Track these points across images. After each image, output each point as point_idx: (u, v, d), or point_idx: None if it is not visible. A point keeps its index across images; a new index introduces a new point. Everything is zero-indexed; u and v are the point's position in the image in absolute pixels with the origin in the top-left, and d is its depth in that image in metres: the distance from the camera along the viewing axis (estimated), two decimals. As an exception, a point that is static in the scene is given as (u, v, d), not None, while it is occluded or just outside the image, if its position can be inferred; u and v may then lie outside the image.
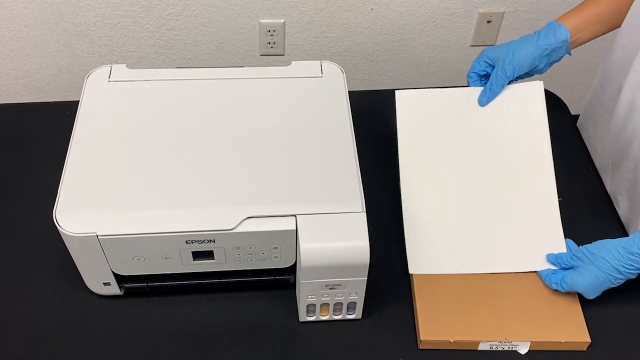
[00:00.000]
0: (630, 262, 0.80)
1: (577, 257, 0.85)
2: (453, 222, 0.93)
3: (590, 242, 0.87)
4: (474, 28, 1.71)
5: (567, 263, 0.87)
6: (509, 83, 0.97)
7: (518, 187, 0.93)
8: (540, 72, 1.00)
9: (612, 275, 0.82)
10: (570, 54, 0.99)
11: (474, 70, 1.00)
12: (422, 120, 0.98)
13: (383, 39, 1.70)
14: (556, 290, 0.88)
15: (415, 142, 0.97)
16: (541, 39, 0.96)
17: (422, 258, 0.91)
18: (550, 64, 0.99)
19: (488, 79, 0.99)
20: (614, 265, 0.81)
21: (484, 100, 0.98)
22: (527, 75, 0.99)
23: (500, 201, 0.93)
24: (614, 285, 0.83)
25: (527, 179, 0.93)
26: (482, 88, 0.98)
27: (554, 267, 0.88)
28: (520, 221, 0.92)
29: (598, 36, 0.99)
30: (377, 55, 1.75)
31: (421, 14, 1.66)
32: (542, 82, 0.97)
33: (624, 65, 0.99)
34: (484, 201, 0.93)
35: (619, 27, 0.98)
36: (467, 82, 1.01)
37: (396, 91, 0.99)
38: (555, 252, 0.89)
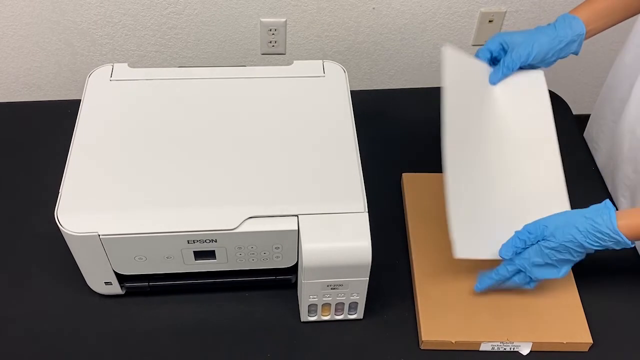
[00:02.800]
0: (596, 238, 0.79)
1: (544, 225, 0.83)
2: (488, 203, 0.88)
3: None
4: (476, 27, 1.71)
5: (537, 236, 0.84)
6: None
7: (526, 167, 0.91)
8: (548, 65, 0.97)
9: (579, 243, 0.80)
10: (577, 54, 0.97)
11: (488, 48, 0.97)
12: (463, 83, 0.93)
13: (385, 38, 1.70)
14: (557, 290, 0.88)
15: (458, 107, 0.90)
16: (558, 30, 0.94)
17: (468, 241, 0.84)
18: (557, 59, 0.97)
19: (494, 63, 0.97)
20: (574, 235, 0.80)
21: (495, 79, 0.95)
22: (532, 67, 0.97)
23: (513, 179, 0.90)
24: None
25: (533, 160, 0.91)
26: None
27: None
28: (528, 201, 0.89)
29: (607, 28, 0.97)
30: (378, 54, 1.75)
31: (423, 13, 1.66)
32: (542, 71, 0.95)
33: (636, 66, 0.98)
34: (503, 181, 0.90)
35: (629, 17, 0.97)
36: (477, 56, 0.97)
37: (442, 48, 0.93)
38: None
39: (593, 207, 0.81)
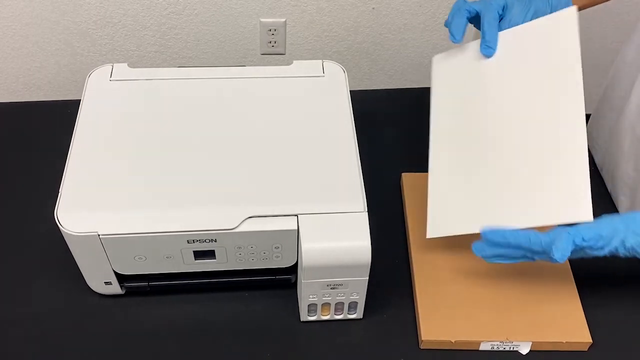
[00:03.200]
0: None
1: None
2: (475, 181, 0.86)
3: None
4: (475, 27, 1.71)
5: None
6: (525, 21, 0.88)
7: (545, 138, 0.83)
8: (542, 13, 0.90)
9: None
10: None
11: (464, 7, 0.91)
12: (453, 80, 0.92)
13: (384, 38, 1.70)
14: (557, 290, 0.88)
15: (445, 107, 0.91)
16: None
17: (441, 220, 0.85)
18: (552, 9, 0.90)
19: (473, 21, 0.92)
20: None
21: (489, 51, 0.89)
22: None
23: (527, 153, 0.83)
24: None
25: (555, 128, 0.83)
26: (509, 30, 0.89)
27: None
28: (545, 171, 0.82)
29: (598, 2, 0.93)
30: (378, 54, 1.75)
31: (422, 13, 1.66)
32: (575, 6, 0.85)
33: (637, 64, 0.98)
34: (510, 152, 0.85)
35: None
36: (452, 20, 0.92)
37: (433, 58, 0.94)
38: (578, 207, 0.79)
39: None
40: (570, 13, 0.84)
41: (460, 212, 0.85)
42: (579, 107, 0.81)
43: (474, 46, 0.92)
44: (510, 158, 0.84)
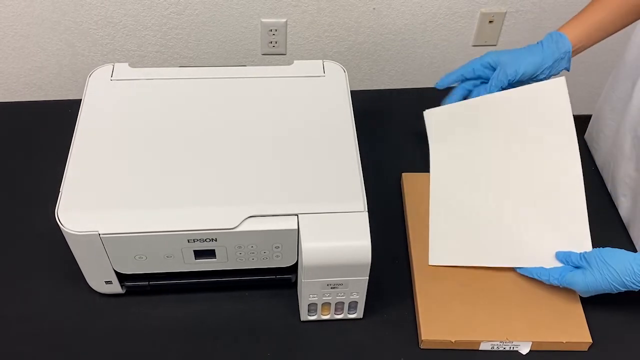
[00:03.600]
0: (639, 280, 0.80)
1: (585, 259, 0.84)
2: (478, 218, 0.93)
3: (592, 242, 0.87)
4: (476, 28, 1.71)
5: (575, 263, 0.86)
6: (514, 85, 0.97)
7: (545, 185, 0.92)
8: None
9: (616, 287, 0.81)
10: (569, 70, 0.98)
11: (473, 67, 0.99)
12: (451, 131, 1.00)
13: (385, 38, 1.70)
14: (557, 290, 0.88)
15: (445, 154, 1.00)
16: (545, 48, 0.95)
17: (443, 251, 0.92)
18: (550, 76, 0.98)
19: (472, 82, 1.00)
20: (622, 278, 0.80)
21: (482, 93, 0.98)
22: (521, 83, 0.98)
23: (528, 199, 0.92)
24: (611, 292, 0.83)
25: (553, 177, 0.92)
26: (500, 92, 0.97)
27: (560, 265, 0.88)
28: (546, 217, 0.90)
29: (602, 40, 0.98)
30: (378, 54, 1.75)
31: (423, 13, 1.66)
32: (564, 77, 0.95)
33: (638, 64, 0.98)
34: (511, 199, 0.93)
35: (619, 30, 0.98)
36: (446, 81, 1.02)
37: (424, 112, 1.04)
38: (581, 250, 0.86)
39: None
40: (560, 83, 0.94)
41: (462, 247, 0.92)
42: (575, 158, 0.91)
43: (465, 105, 1.00)
44: (512, 203, 0.92)
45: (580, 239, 0.88)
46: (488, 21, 1.69)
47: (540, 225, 0.90)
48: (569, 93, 0.92)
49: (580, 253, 0.85)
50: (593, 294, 0.84)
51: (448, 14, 1.67)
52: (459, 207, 0.95)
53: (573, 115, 0.92)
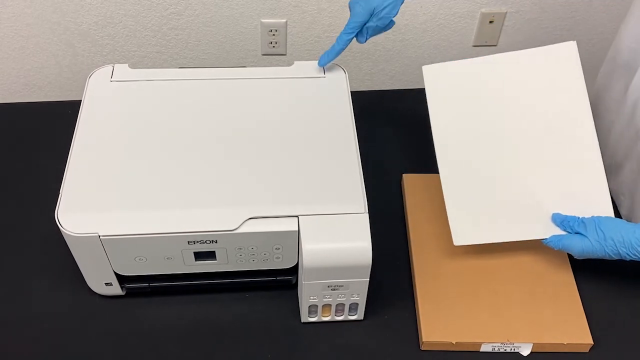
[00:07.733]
0: (636, 252, 0.79)
1: (584, 224, 0.84)
2: (493, 190, 0.90)
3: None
4: (476, 28, 1.71)
5: (573, 228, 0.85)
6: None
7: (558, 150, 0.90)
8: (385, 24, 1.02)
9: (611, 255, 0.81)
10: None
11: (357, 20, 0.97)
12: (452, 91, 0.95)
13: (385, 39, 1.70)
14: (558, 291, 0.88)
15: (447, 114, 0.94)
16: None
17: (465, 228, 0.89)
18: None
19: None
20: (619, 249, 0.80)
21: (323, 60, 0.96)
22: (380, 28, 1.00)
23: (541, 166, 0.90)
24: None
25: (566, 141, 0.90)
26: (504, 54, 0.94)
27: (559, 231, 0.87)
28: (562, 184, 0.89)
29: None
30: (379, 55, 1.75)
31: (423, 14, 1.66)
32: (574, 41, 0.93)
33: (630, 66, 0.98)
34: (525, 161, 0.90)
35: None
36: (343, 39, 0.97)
37: (423, 67, 0.96)
38: (602, 214, 0.86)
39: None
40: (571, 46, 0.92)
41: (486, 222, 0.89)
42: (589, 124, 0.89)
43: (469, 63, 0.95)
44: (528, 170, 0.89)
45: (601, 206, 0.87)
46: (488, 21, 1.69)
47: (560, 190, 0.88)
48: None
49: (580, 219, 0.85)
50: (585, 257, 0.85)
51: (448, 14, 1.67)
52: (471, 172, 0.90)
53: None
